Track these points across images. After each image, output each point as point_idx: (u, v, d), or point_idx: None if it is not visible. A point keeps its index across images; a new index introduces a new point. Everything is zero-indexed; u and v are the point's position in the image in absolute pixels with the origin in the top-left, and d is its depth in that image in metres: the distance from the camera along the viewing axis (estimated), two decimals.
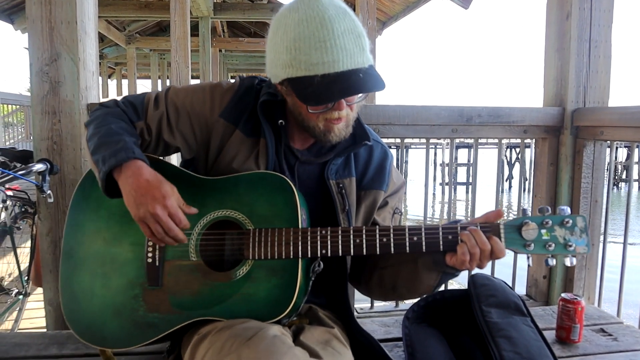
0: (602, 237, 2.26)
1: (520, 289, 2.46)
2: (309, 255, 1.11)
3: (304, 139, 1.26)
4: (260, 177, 1.17)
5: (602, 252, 2.22)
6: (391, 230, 1.10)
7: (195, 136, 1.24)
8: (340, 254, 1.11)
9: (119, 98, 1.28)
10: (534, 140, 2.40)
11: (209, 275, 1.14)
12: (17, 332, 2.55)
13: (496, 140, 2.53)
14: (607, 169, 2.30)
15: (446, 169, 17.85)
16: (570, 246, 1.06)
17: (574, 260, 1.07)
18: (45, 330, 1.98)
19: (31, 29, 1.79)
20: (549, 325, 1.67)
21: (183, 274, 1.15)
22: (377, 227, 1.12)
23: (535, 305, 2.31)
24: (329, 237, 1.11)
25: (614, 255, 2.37)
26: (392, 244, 1.11)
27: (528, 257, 1.12)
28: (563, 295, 1.59)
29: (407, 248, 1.10)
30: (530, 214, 1.10)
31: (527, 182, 15.36)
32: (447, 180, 15.60)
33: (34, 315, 2.98)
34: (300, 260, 1.11)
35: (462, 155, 21.27)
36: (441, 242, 1.10)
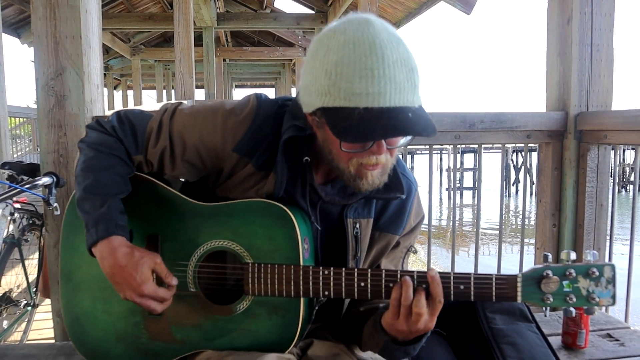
0: (608, 241, 2.25)
1: None
2: (311, 296, 1.05)
3: (328, 171, 1.13)
4: (262, 206, 1.08)
5: (608, 257, 2.22)
6: (399, 274, 1.00)
7: (205, 166, 1.13)
8: (343, 297, 1.04)
9: (120, 111, 1.17)
10: (538, 144, 2.40)
11: (209, 308, 1.11)
12: (25, 344, 2.56)
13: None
14: (613, 172, 2.29)
15: (451, 174, 17.81)
16: (594, 299, 0.94)
17: (596, 311, 0.98)
18: (53, 341, 1.99)
19: (37, 44, 1.82)
20: (555, 330, 1.67)
21: (183, 304, 1.12)
22: (384, 270, 1.02)
23: (541, 311, 2.30)
24: (332, 277, 1.03)
25: (624, 259, 2.35)
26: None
27: (545, 309, 1.05)
28: None
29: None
30: (551, 260, 0.98)
31: (533, 187, 15.30)
32: (451, 185, 15.54)
33: (42, 326, 3.00)
34: (302, 298, 1.06)
35: (469, 159, 21.21)
36: (452, 293, 0.98)
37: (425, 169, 2.66)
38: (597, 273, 0.94)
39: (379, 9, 6.06)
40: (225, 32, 12.56)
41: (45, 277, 2.33)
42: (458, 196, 18.34)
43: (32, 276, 2.79)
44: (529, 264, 2.49)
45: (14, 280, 2.84)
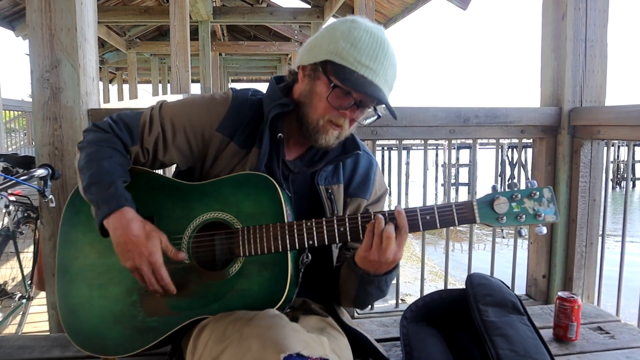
0: (600, 236, 2.27)
1: (520, 289, 2.47)
2: (297, 247, 1.15)
3: (297, 148, 1.32)
4: (245, 177, 1.20)
5: (600, 251, 2.24)
6: (372, 215, 1.15)
7: (192, 150, 1.27)
8: (326, 243, 1.15)
9: (113, 115, 1.30)
10: (532, 139, 2.41)
11: (204, 276, 1.17)
12: (20, 335, 2.56)
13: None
14: (608, 168, 2.31)
15: (447, 170, 17.85)
16: (540, 216, 1.13)
17: (545, 229, 1.15)
18: (48, 333, 2.00)
19: (32, 36, 1.81)
20: (547, 323, 1.69)
21: (178, 276, 1.17)
22: (360, 214, 1.16)
23: (535, 304, 2.32)
24: (314, 227, 1.15)
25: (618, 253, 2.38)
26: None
27: (502, 230, 1.16)
28: (560, 293, 1.61)
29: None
30: (498, 188, 1.17)
31: (528, 183, 15.33)
32: (446, 181, 15.60)
33: (37, 319, 3.00)
34: (289, 252, 1.15)
35: (464, 155, 21.26)
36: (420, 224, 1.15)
37: (420, 165, 2.67)
38: (538, 194, 1.14)
39: (375, 3, 6.06)
40: (222, 26, 12.51)
41: (40, 270, 2.33)
42: (454, 192, 18.40)
43: (27, 269, 2.79)
44: (523, 259, 2.51)
45: (9, 273, 2.84)
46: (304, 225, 1.15)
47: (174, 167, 1.37)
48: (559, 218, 1.14)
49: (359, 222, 1.15)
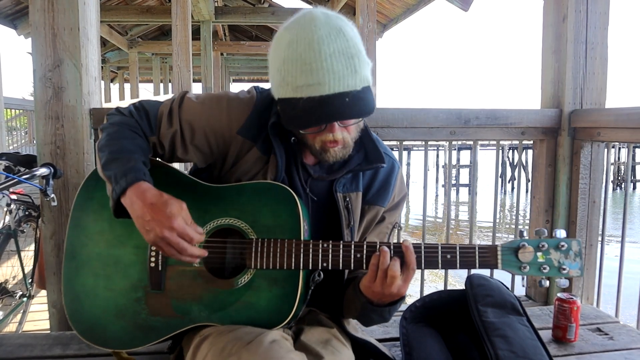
0: (600, 238, 2.27)
1: (520, 290, 2.48)
2: (310, 268, 1.12)
3: None
4: (266, 187, 1.17)
5: (600, 253, 2.24)
6: (392, 247, 1.10)
7: (212, 150, 1.22)
8: (340, 268, 1.12)
9: (136, 102, 1.26)
10: (532, 140, 2.42)
11: (211, 282, 1.16)
12: (21, 333, 2.57)
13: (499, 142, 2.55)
14: (609, 170, 2.31)
15: (447, 170, 17.86)
16: (564, 269, 1.09)
17: (567, 283, 1.09)
18: (49, 331, 2.01)
19: (34, 36, 1.82)
20: (546, 324, 1.69)
21: (185, 279, 1.17)
22: (379, 241, 1.12)
23: (535, 305, 2.33)
24: (330, 250, 1.12)
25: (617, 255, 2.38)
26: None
27: (523, 278, 1.15)
28: (559, 295, 1.61)
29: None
30: (527, 236, 1.11)
31: (529, 184, 15.36)
32: (447, 181, 15.57)
33: (37, 317, 3.01)
34: (301, 271, 1.12)
35: (465, 156, 21.26)
36: (440, 261, 1.10)
37: (421, 166, 2.68)
38: (566, 246, 1.09)
39: (377, 4, 6.06)
40: (223, 25, 12.52)
41: (41, 269, 2.34)
42: (454, 193, 18.39)
43: (28, 267, 2.80)
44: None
45: (10, 271, 2.84)
46: (320, 246, 1.12)
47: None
48: (583, 274, 1.10)
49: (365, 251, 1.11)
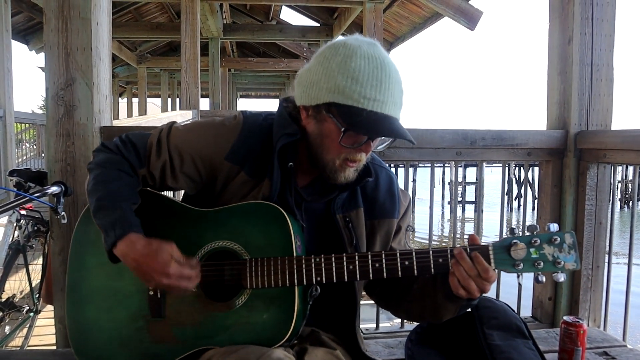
0: (606, 259, 2.26)
1: (526, 311, 2.46)
2: (304, 283, 1.14)
3: (307, 174, 1.27)
4: (255, 207, 1.19)
5: (607, 274, 2.23)
6: (383, 256, 1.13)
7: (201, 177, 1.25)
8: (334, 280, 1.14)
9: (122, 135, 1.28)
10: (539, 161, 2.42)
11: (210, 306, 1.17)
12: (28, 350, 2.58)
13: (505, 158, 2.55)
14: (615, 189, 2.30)
15: (453, 188, 17.81)
16: (559, 263, 1.08)
17: (564, 277, 1.09)
18: (54, 347, 2.01)
19: (48, 55, 1.86)
20: (552, 347, 1.68)
21: (184, 305, 1.18)
22: (370, 252, 1.15)
23: (541, 327, 2.31)
24: (323, 264, 1.13)
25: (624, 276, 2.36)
26: (384, 269, 1.13)
27: (518, 276, 1.13)
28: (565, 318, 1.60)
29: (400, 272, 1.13)
30: (519, 233, 1.11)
31: (536, 201, 15.27)
32: (453, 199, 15.51)
33: (43, 332, 3.02)
34: (296, 287, 1.14)
35: (471, 173, 21.21)
36: (432, 265, 1.12)
37: (427, 182, 2.69)
38: (558, 240, 1.08)
39: (384, 23, 6.13)
40: (231, 42, 12.67)
41: (48, 284, 2.36)
42: (460, 210, 18.32)
43: (36, 282, 2.81)
44: (529, 279, 2.50)
45: (17, 285, 2.86)
46: (312, 260, 1.13)
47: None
48: (579, 266, 1.09)
49: (369, 261, 1.13)
